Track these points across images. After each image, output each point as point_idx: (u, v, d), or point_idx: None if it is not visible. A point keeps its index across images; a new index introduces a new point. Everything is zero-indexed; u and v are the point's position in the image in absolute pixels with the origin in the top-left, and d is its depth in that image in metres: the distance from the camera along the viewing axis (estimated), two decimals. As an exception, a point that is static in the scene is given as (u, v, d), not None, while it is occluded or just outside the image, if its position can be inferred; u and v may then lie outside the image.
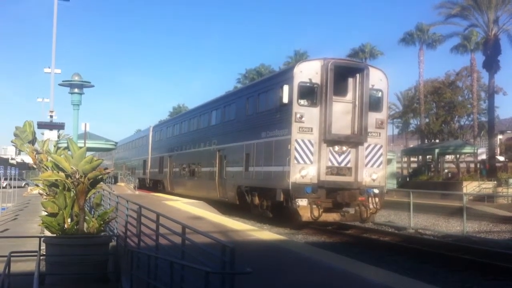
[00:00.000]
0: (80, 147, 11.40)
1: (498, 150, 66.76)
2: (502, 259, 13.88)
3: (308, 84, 20.06)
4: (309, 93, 20.18)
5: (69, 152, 11.08)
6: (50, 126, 24.61)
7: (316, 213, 19.25)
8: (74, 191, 10.41)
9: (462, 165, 61.67)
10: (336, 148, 20.03)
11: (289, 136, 19.80)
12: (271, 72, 63.39)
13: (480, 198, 35.44)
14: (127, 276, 9.54)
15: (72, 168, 10.19)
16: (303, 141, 19.65)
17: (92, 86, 16.82)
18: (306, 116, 19.78)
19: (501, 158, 65.60)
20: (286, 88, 19.88)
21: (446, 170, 57.42)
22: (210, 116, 30.79)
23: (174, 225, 8.45)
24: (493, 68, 47.73)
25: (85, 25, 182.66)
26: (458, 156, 60.03)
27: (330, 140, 19.76)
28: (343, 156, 20.17)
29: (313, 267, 10.08)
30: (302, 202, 19.31)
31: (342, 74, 20.26)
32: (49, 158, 11.55)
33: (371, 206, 20.10)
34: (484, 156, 56.26)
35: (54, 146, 15.71)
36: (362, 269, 9.87)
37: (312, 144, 19.69)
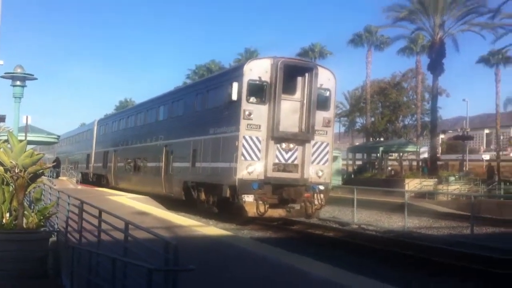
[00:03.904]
0: (21, 141, 11.04)
1: (439, 149, 68.97)
2: (440, 254, 14.31)
3: (257, 82, 20.17)
4: (258, 91, 20.28)
5: (8, 146, 10.72)
6: (-10, 118, 23.78)
7: (262, 209, 19.38)
8: (13, 186, 10.09)
9: (405, 163, 63.43)
10: (284, 145, 20.23)
11: (237, 133, 19.84)
12: (221, 69, 63.33)
13: (422, 195, 36.55)
14: (68, 272, 9.33)
15: (11, 162, 9.87)
16: (251, 138, 19.74)
17: (35, 78, 16.32)
18: (255, 113, 19.88)
19: (450, 157, 67.88)
20: (235, 85, 19.91)
21: (389, 168, 58.88)
22: (158, 111, 30.47)
23: (117, 221, 8.32)
24: (437, 70, 49.24)
25: (29, 16, 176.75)
26: (401, 154, 61.66)
27: (278, 137, 19.93)
28: (290, 153, 20.38)
29: (258, 262, 10.15)
30: (248, 198, 19.42)
31: (292, 73, 20.44)
32: (-12, 151, 11.13)
33: (316, 202, 20.40)
34: (426, 155, 57.95)
35: (-6, 139, 15.18)
36: (306, 263, 10.02)
37: (259, 141, 19.81)
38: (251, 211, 19.38)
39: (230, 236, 13.82)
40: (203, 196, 22.58)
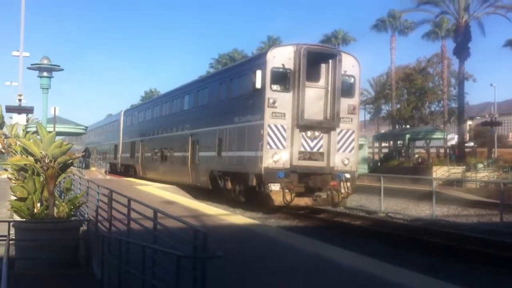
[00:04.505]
0: (49, 132, 11.21)
1: (467, 136, 67.96)
2: (470, 242, 14.15)
3: (281, 70, 20.09)
4: (282, 78, 20.20)
5: (38, 137, 10.90)
6: (19, 110, 24.26)
7: (288, 197, 19.36)
8: (44, 176, 10.27)
9: (432, 150, 62.64)
10: (309, 133, 20.15)
11: (262, 121, 19.81)
12: (244, 57, 63.23)
13: (450, 182, 36.13)
14: (98, 260, 9.47)
15: (41, 152, 10.03)
16: (276, 126, 19.70)
17: (62, 69, 16.59)
18: (279, 101, 19.81)
19: (471, 144, 66.79)
20: (259, 73, 19.85)
21: (416, 155, 58.25)
22: (183, 100, 30.60)
23: (145, 209, 8.39)
24: (463, 55, 48.44)
25: (55, 7, 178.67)
26: (428, 141, 60.91)
27: (303, 125, 19.86)
28: (315, 141, 20.29)
29: (285, 251, 10.13)
30: (275, 187, 19.41)
31: (315, 60, 20.30)
32: (18, 143, 11.34)
33: (342, 191, 20.30)
34: (453, 142, 57.11)
35: (23, 130, 15.43)
36: (334, 252, 9.96)
37: (284, 129, 19.76)
38: (278, 199, 19.38)
39: (257, 225, 13.84)
40: (229, 185, 22.65)
